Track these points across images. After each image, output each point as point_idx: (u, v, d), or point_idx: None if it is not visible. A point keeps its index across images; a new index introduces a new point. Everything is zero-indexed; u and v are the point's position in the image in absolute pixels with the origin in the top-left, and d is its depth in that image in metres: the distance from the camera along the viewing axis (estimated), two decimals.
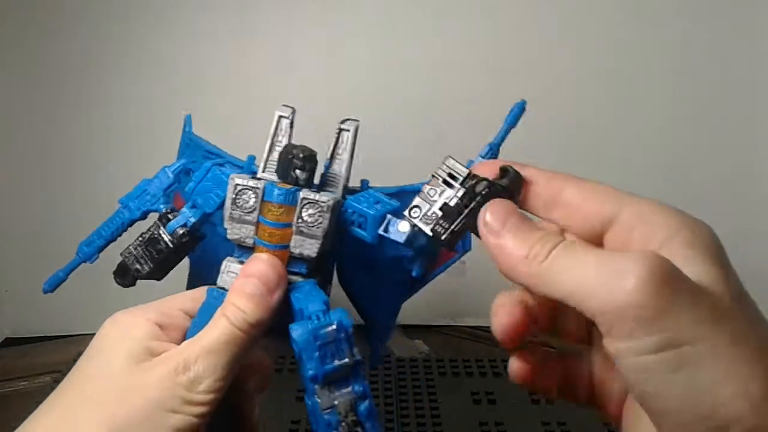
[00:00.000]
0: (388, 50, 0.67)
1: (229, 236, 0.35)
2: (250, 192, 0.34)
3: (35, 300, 0.74)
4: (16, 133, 0.68)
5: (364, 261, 0.38)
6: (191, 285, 0.42)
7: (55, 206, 0.70)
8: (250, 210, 0.34)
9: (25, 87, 0.67)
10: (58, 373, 0.62)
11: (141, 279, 0.38)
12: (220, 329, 0.31)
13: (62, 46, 0.66)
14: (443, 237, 0.30)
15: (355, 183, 0.38)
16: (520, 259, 0.26)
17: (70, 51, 0.66)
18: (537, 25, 0.67)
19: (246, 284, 0.32)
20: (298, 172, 0.34)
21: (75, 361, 0.66)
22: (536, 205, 0.29)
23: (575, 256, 0.25)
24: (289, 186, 0.34)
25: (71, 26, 0.65)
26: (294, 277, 0.35)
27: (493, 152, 0.35)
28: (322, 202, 0.34)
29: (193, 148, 0.43)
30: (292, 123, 0.37)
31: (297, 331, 0.32)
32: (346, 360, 0.32)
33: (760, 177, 0.72)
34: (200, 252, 0.39)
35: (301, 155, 0.34)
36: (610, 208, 0.27)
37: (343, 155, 0.37)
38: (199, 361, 0.30)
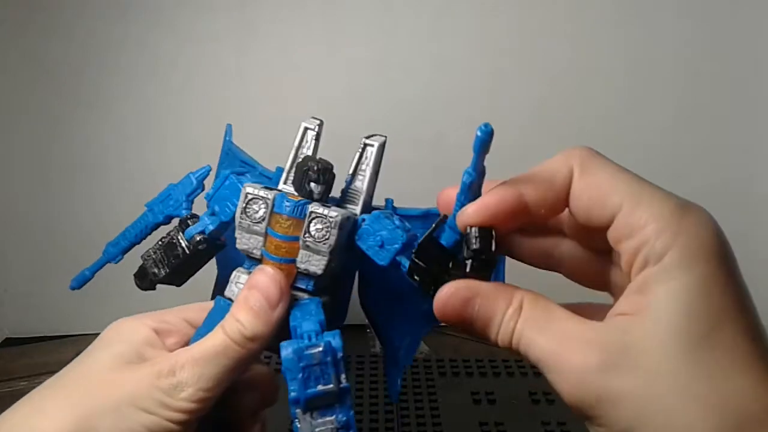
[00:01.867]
0: (388, 50, 0.67)
1: (237, 246, 0.34)
2: (260, 202, 0.33)
3: (35, 300, 0.74)
4: (16, 133, 0.68)
5: (389, 286, 0.37)
6: (217, 287, 0.42)
7: (55, 206, 0.70)
8: (258, 220, 0.33)
9: (23, 87, 0.67)
10: None
11: (158, 283, 0.38)
12: (215, 340, 0.31)
13: (62, 46, 0.66)
14: (430, 293, 0.29)
15: (378, 201, 0.38)
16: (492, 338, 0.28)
17: (70, 51, 0.66)
18: (537, 25, 0.67)
19: (248, 297, 0.32)
20: (312, 185, 0.33)
21: None
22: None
23: (537, 332, 0.26)
24: (299, 198, 0.33)
25: (71, 26, 0.65)
26: (300, 294, 0.34)
27: (471, 192, 0.29)
28: (331, 217, 0.32)
29: (231, 157, 0.43)
30: (318, 136, 0.36)
31: (285, 349, 0.30)
32: (331, 386, 0.30)
33: (761, 177, 0.72)
34: (225, 262, 0.39)
35: (316, 168, 0.33)
36: (608, 213, 0.26)
37: (366, 171, 0.36)
38: (186, 368, 0.30)
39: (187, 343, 0.33)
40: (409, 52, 0.67)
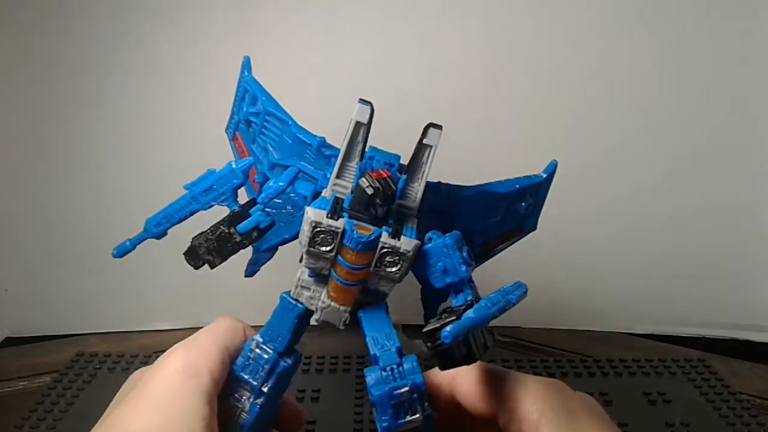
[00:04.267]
0: (388, 50, 0.67)
1: (305, 265, 0.35)
2: (329, 236, 0.33)
3: (35, 300, 0.74)
4: (17, 133, 0.68)
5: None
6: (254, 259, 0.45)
7: (55, 206, 0.70)
8: (328, 250, 0.34)
9: (23, 87, 0.67)
10: (58, 373, 0.62)
11: (213, 268, 0.41)
12: None
13: (61, 46, 0.65)
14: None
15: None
16: None
17: (69, 50, 0.66)
18: (537, 25, 0.67)
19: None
20: (378, 209, 0.34)
21: (74, 361, 0.66)
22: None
23: None
24: (368, 231, 0.33)
25: (70, 26, 0.65)
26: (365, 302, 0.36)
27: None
28: (402, 251, 0.33)
29: (252, 96, 0.42)
30: (369, 128, 0.36)
31: (373, 384, 0.33)
32: (418, 416, 0.33)
33: (761, 177, 0.72)
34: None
35: (382, 194, 0.33)
36: (490, 404, 0.33)
37: (423, 169, 0.36)
38: None
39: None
40: (409, 52, 0.67)
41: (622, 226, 0.73)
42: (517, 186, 0.40)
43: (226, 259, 0.41)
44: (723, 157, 0.71)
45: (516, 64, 0.68)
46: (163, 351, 0.35)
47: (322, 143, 0.39)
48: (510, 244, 0.44)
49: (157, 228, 0.42)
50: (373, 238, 0.33)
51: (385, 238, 0.33)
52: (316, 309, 0.36)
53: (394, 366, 0.33)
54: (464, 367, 0.32)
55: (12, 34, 0.65)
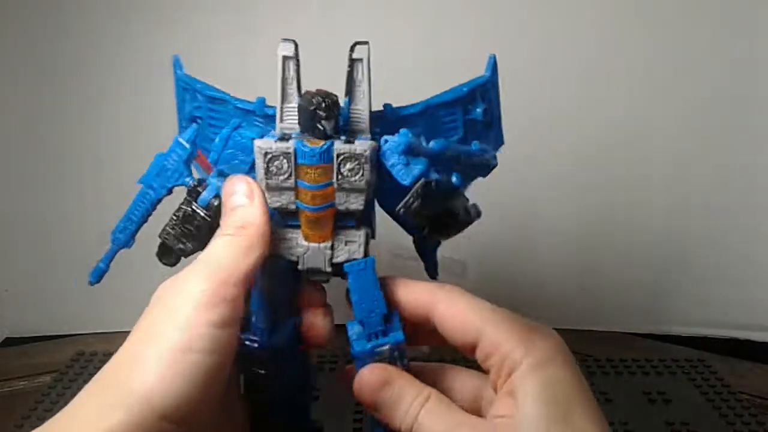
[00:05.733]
0: (389, 50, 0.67)
1: (271, 206, 0.34)
2: (282, 157, 0.32)
3: (35, 300, 0.74)
4: (17, 132, 0.68)
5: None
6: None
7: (55, 206, 0.70)
8: (286, 177, 0.33)
9: (23, 87, 0.67)
10: (58, 372, 0.62)
11: (187, 255, 0.37)
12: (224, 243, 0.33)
13: (61, 46, 0.66)
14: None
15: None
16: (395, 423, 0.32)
17: (70, 50, 0.66)
18: (537, 25, 0.67)
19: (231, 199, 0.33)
20: (324, 122, 0.32)
21: (74, 360, 0.66)
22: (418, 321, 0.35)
23: (436, 420, 0.31)
24: (319, 143, 0.32)
25: (70, 26, 0.65)
26: (345, 232, 0.35)
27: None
28: (359, 153, 0.32)
29: (191, 93, 0.41)
30: (297, 62, 0.34)
31: (356, 339, 0.34)
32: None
33: (761, 177, 0.72)
34: None
35: (323, 105, 0.32)
36: (472, 334, 0.32)
37: (362, 87, 0.35)
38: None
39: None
40: (410, 52, 0.67)
41: (622, 226, 0.73)
42: (465, 89, 0.38)
43: (201, 244, 0.37)
44: (723, 157, 0.71)
45: (517, 63, 0.68)
46: None
47: (262, 103, 0.37)
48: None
49: (123, 234, 0.39)
50: (326, 147, 0.32)
51: (339, 145, 0.32)
52: (297, 257, 0.35)
53: (378, 332, 0.34)
54: (448, 296, 0.34)
55: (12, 34, 0.65)
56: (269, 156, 0.32)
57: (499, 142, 0.41)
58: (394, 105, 0.39)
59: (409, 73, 0.67)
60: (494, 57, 0.40)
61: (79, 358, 0.63)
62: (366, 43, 0.35)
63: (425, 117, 0.37)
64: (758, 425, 0.56)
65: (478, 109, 0.38)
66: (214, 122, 0.39)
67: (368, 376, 0.33)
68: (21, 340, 0.72)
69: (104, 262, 0.40)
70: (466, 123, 0.38)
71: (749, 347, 0.74)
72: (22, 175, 0.69)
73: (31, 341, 0.71)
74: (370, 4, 0.66)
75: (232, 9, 0.66)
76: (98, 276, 0.40)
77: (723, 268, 0.74)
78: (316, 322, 0.36)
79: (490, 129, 0.40)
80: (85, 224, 0.70)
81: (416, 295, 0.35)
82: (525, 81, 0.68)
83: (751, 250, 0.74)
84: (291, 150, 0.32)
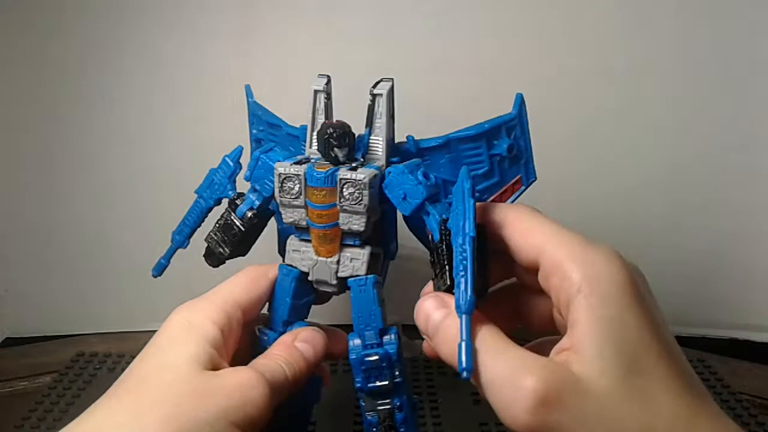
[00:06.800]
0: (389, 50, 0.67)
1: (284, 220, 0.38)
2: (294, 179, 0.37)
3: (35, 300, 0.74)
4: (17, 133, 0.68)
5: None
6: (281, 243, 0.46)
7: (56, 206, 0.70)
8: (296, 196, 0.37)
9: (23, 87, 0.67)
10: (58, 373, 0.62)
11: (227, 259, 0.43)
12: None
13: (61, 46, 0.66)
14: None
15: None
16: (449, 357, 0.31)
17: (70, 50, 0.66)
18: (537, 25, 0.67)
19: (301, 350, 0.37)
20: (336, 150, 0.36)
21: (74, 361, 0.66)
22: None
23: (488, 355, 0.29)
24: (326, 168, 0.36)
25: (70, 26, 0.65)
26: (349, 250, 0.38)
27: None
28: (359, 180, 0.35)
29: (257, 117, 0.46)
30: (328, 95, 0.39)
31: (352, 348, 0.38)
32: (386, 383, 0.37)
33: (761, 177, 0.72)
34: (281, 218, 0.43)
35: (335, 134, 0.36)
36: (534, 252, 0.31)
37: (382, 120, 0.38)
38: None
39: (238, 342, 0.37)
40: (409, 52, 0.67)
41: (622, 226, 0.73)
42: (487, 126, 0.40)
43: (238, 251, 0.42)
44: (723, 157, 0.71)
45: (517, 63, 0.68)
46: None
47: (305, 130, 0.41)
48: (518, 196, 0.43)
49: (179, 236, 0.44)
50: (330, 172, 0.36)
51: (343, 171, 0.36)
52: (308, 269, 0.39)
53: (374, 344, 0.37)
54: (516, 214, 0.33)
55: (12, 34, 0.65)
56: (283, 177, 0.37)
57: (530, 177, 0.42)
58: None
59: (410, 73, 0.67)
60: (521, 96, 0.41)
61: (79, 359, 0.63)
62: (390, 80, 0.39)
63: (448, 150, 0.40)
64: (758, 425, 0.56)
65: (504, 145, 0.40)
66: (272, 145, 0.44)
67: (425, 305, 0.33)
68: (21, 340, 0.72)
69: (165, 259, 0.45)
70: (491, 157, 0.40)
71: (749, 347, 0.74)
72: (23, 176, 0.69)
73: (31, 341, 0.71)
74: (369, 5, 0.66)
75: (233, 9, 0.66)
76: (160, 270, 0.45)
77: (723, 268, 0.74)
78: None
79: (517, 164, 0.42)
80: (85, 225, 0.70)
81: (489, 217, 0.34)
82: (525, 80, 0.68)
83: (751, 250, 0.74)
84: (301, 173, 0.37)
